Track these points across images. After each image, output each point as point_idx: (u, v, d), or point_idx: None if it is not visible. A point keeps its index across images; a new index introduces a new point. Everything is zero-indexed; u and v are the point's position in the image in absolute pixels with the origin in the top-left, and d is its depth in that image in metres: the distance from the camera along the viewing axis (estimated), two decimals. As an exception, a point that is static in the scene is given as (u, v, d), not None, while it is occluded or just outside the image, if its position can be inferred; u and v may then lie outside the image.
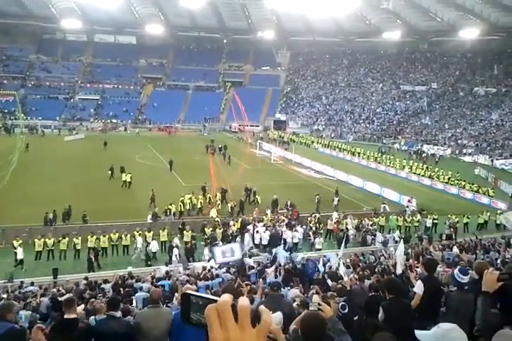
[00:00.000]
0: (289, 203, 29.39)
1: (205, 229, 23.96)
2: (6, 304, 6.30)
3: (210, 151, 47.11)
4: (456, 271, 5.68)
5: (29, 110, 70.37)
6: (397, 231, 25.76)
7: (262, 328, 1.30)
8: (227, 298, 1.30)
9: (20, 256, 20.07)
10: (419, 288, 5.95)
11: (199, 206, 28.52)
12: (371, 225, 26.23)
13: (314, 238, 23.64)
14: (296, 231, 24.03)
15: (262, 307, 1.38)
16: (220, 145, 50.41)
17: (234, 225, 24.57)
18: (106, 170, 35.96)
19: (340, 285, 10.52)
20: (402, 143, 60.58)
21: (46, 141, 53.86)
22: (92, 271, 19.36)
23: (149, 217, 25.46)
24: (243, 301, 1.31)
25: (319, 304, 4.12)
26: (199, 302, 1.36)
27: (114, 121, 73.48)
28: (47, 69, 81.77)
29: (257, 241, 23.14)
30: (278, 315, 3.95)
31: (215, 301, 1.30)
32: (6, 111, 69.09)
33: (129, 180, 33.61)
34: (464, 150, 56.49)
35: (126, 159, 41.11)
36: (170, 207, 26.75)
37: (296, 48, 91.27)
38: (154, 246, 21.95)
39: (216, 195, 29.53)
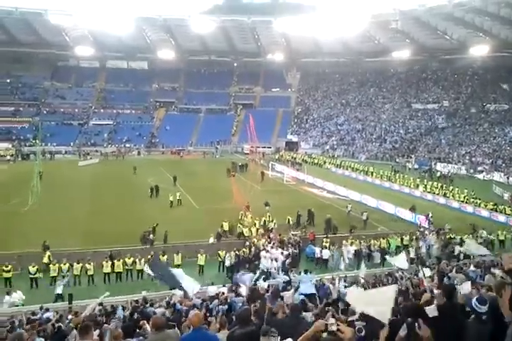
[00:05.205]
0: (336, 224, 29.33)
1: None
2: (19, 334, 6.35)
3: (231, 174, 46.22)
4: (473, 300, 5.32)
5: (44, 136, 71.44)
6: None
7: None
8: None
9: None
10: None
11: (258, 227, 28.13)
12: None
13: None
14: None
15: None
16: (240, 164, 53.68)
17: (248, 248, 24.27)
18: (137, 193, 38.80)
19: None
20: (413, 162, 60.06)
21: (62, 166, 54.58)
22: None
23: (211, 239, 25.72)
24: None
25: (338, 328, 4.05)
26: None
27: (127, 145, 74.31)
28: (61, 96, 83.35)
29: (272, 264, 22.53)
30: None
31: None
32: (21, 137, 70.29)
33: (178, 198, 35.19)
34: (479, 168, 55.88)
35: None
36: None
37: (305, 69, 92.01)
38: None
39: (268, 216, 29.31)
